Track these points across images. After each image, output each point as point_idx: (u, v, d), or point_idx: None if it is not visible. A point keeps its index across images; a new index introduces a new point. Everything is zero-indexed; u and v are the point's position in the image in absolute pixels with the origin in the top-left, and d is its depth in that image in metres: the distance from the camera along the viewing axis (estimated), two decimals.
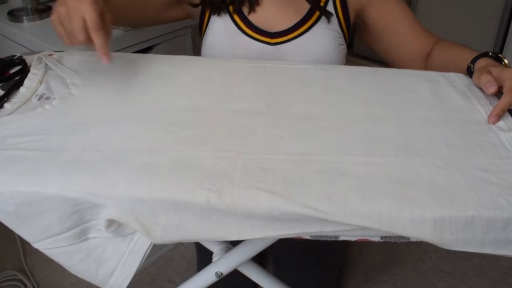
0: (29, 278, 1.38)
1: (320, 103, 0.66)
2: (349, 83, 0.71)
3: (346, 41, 0.90)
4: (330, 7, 0.86)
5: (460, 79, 0.73)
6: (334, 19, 0.86)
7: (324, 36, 0.85)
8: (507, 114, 0.64)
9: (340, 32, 0.87)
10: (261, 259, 1.28)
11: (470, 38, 2.21)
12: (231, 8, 0.87)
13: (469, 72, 0.73)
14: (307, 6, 0.86)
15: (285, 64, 0.75)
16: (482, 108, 0.65)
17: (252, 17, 0.87)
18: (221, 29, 0.88)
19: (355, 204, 0.49)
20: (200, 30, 0.93)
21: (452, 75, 0.74)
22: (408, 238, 0.50)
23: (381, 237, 0.51)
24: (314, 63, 0.83)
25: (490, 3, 2.11)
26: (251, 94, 0.67)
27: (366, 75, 0.74)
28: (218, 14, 0.87)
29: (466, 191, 0.50)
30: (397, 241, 0.51)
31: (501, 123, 0.62)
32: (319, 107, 0.65)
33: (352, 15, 0.88)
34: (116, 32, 1.10)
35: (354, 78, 0.73)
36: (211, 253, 0.74)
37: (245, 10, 0.87)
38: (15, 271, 1.40)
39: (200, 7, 0.89)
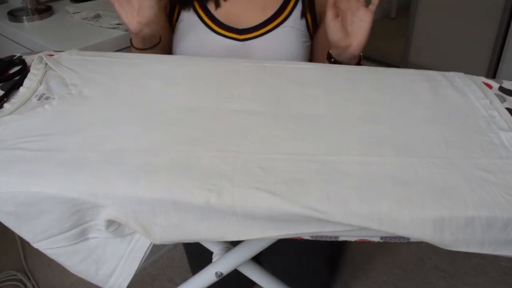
0: (29, 278, 1.38)
1: (319, 103, 0.66)
2: (349, 83, 0.71)
3: (311, 37, 0.93)
4: (299, 4, 0.90)
5: (460, 78, 0.73)
6: (300, 16, 0.90)
7: (290, 34, 0.89)
8: (508, 114, 0.64)
9: (305, 29, 0.91)
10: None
11: (470, 38, 2.21)
12: (196, 4, 0.88)
13: (329, 57, 0.83)
14: (275, 6, 0.89)
15: (285, 64, 0.75)
16: (482, 108, 0.65)
17: (218, 13, 0.88)
18: (188, 25, 0.89)
19: (354, 204, 0.49)
20: (170, 23, 0.93)
21: (452, 74, 0.74)
22: (408, 238, 0.50)
23: (381, 238, 0.51)
24: (279, 59, 0.86)
25: (490, 3, 2.11)
26: (250, 94, 0.67)
27: (366, 75, 0.74)
28: (184, 9, 0.88)
29: (466, 191, 0.50)
30: (397, 241, 0.51)
31: (502, 122, 0.62)
32: (319, 107, 0.65)
33: (318, 11, 0.92)
34: (116, 32, 1.10)
35: (354, 78, 0.73)
36: (203, 255, 0.73)
37: (210, 6, 0.88)
38: (15, 271, 1.39)
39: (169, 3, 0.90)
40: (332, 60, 0.83)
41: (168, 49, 0.93)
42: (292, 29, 0.89)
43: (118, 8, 0.72)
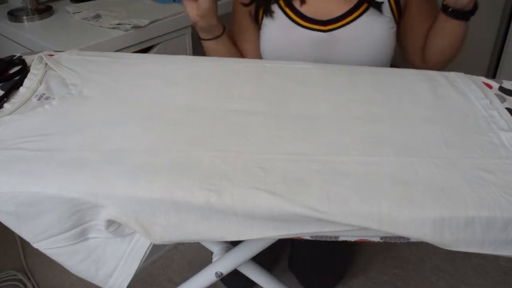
0: (29, 278, 1.38)
1: (319, 103, 0.66)
2: (349, 83, 0.71)
3: (396, 21, 0.93)
4: None
5: (460, 78, 0.73)
6: (385, 4, 0.90)
7: (375, 21, 0.90)
8: (508, 114, 0.64)
9: (391, 15, 0.91)
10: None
11: (470, 38, 2.20)
12: (281, 2, 0.92)
13: (445, 10, 0.84)
14: None
15: (285, 64, 0.75)
16: (482, 108, 0.65)
17: (303, 8, 0.91)
18: (274, 25, 0.93)
19: (354, 204, 0.49)
20: (256, 22, 0.98)
21: (452, 75, 0.74)
22: (408, 239, 0.50)
23: (381, 238, 0.51)
24: (364, 47, 0.89)
25: (490, 3, 2.11)
26: (250, 94, 0.67)
27: (366, 75, 0.74)
28: (266, 15, 0.93)
29: (466, 191, 0.50)
30: (397, 241, 0.51)
31: (502, 122, 0.62)
32: (319, 107, 0.65)
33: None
34: (116, 32, 1.10)
35: (354, 78, 0.73)
36: None
37: (296, 3, 0.92)
38: (15, 271, 1.39)
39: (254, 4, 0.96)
40: (450, 10, 0.84)
41: (253, 44, 0.99)
42: (376, 17, 0.90)
43: (184, 1, 0.86)
